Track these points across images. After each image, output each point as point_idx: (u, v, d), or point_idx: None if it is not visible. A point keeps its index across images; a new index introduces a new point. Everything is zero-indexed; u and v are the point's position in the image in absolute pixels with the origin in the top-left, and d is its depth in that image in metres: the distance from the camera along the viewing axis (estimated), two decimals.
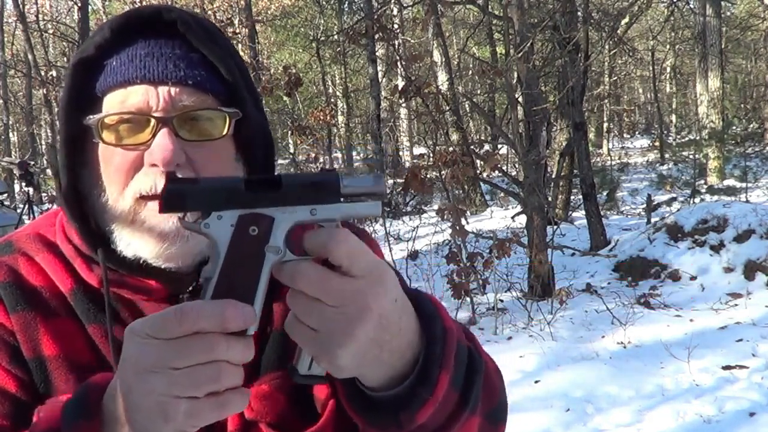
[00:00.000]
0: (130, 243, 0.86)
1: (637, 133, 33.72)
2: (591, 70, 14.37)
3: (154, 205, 0.83)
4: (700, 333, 5.16)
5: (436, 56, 12.08)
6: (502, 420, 0.89)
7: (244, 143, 0.91)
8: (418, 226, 8.39)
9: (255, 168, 0.93)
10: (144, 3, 13.77)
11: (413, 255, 7.33)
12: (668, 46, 24.08)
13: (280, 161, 17.73)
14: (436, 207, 8.34)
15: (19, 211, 10.35)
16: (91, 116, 0.86)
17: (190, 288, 0.91)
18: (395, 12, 12.42)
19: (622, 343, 5.07)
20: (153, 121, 0.84)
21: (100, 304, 0.89)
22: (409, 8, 13.58)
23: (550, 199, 9.37)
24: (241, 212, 0.69)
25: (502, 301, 5.96)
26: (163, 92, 0.85)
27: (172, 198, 0.68)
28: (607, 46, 13.25)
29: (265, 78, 11.92)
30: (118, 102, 0.85)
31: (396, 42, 7.82)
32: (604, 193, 11.22)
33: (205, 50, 0.88)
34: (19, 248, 0.93)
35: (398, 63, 7.05)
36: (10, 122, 24.51)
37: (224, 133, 0.87)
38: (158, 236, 0.85)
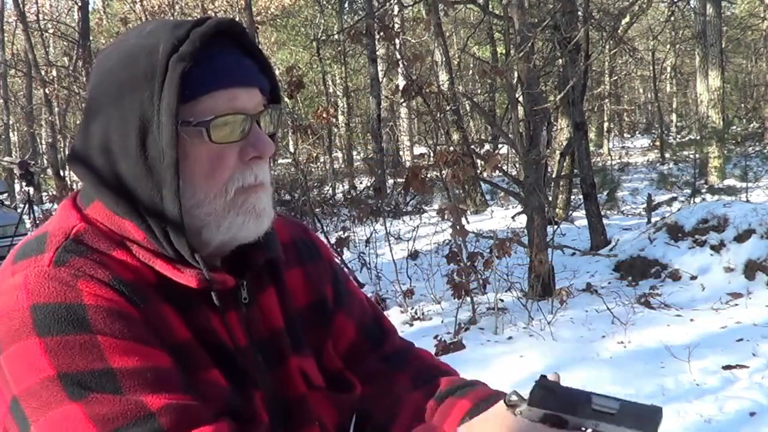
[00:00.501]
0: (229, 229, 0.96)
1: (637, 132, 33.70)
2: (591, 70, 14.37)
3: (252, 192, 0.96)
4: (701, 333, 5.16)
5: (437, 56, 12.08)
6: None
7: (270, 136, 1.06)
8: (418, 226, 8.39)
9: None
10: (144, 4, 13.77)
11: (413, 255, 7.34)
12: (668, 46, 24.06)
13: (280, 161, 17.73)
14: (436, 207, 8.34)
15: (19, 210, 10.36)
16: (192, 118, 0.92)
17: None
18: (396, 11, 12.42)
19: (622, 342, 5.07)
20: (248, 119, 0.96)
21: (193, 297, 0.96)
22: (410, 8, 13.59)
23: (550, 198, 9.36)
24: (547, 412, 0.88)
25: (502, 300, 5.96)
26: (248, 93, 0.96)
27: (538, 395, 0.88)
28: (607, 46, 13.25)
29: None
30: (223, 103, 0.94)
31: (397, 41, 7.81)
32: (605, 193, 11.22)
33: (259, 58, 1.01)
34: (89, 247, 0.94)
35: (399, 63, 7.03)
36: (11, 122, 24.52)
37: (277, 127, 1.03)
38: (256, 217, 0.97)
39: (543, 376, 0.91)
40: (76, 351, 0.83)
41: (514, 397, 0.91)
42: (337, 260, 1.25)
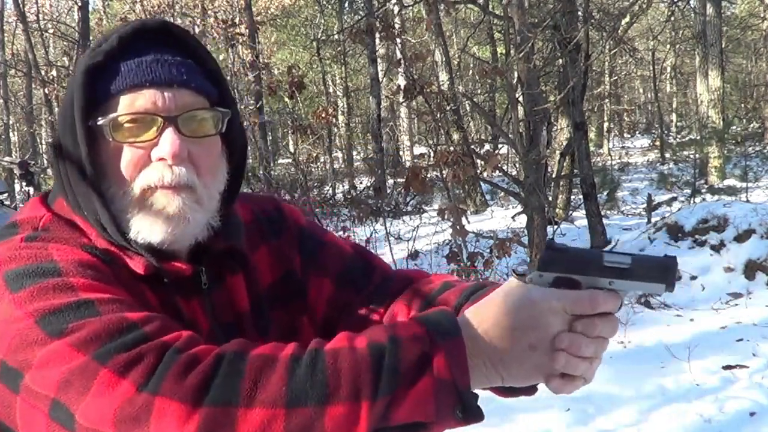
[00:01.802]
0: (140, 230, 0.97)
1: (637, 132, 33.66)
2: (591, 70, 14.36)
3: (161, 193, 0.96)
4: (701, 333, 5.16)
5: (437, 56, 12.07)
6: None
7: (229, 140, 1.06)
8: (418, 226, 8.39)
9: (233, 162, 1.08)
10: (144, 4, 13.77)
11: (414, 255, 7.34)
12: (668, 46, 24.04)
13: (280, 161, 17.73)
14: (436, 207, 8.34)
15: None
16: (101, 117, 0.96)
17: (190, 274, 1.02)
18: (396, 11, 12.41)
19: (622, 342, 5.07)
20: (160, 120, 0.96)
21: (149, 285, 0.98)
22: (410, 8, 13.58)
23: (550, 198, 9.37)
24: (558, 275, 0.85)
25: None
26: (169, 94, 0.96)
27: (548, 259, 0.85)
28: (607, 46, 13.24)
29: (267, 78, 11.91)
30: (128, 104, 0.96)
31: (398, 40, 7.81)
32: (605, 193, 11.21)
33: (202, 59, 1.02)
34: (57, 235, 0.97)
35: (400, 62, 7.04)
36: (11, 122, 24.52)
37: (218, 130, 1.01)
38: (165, 219, 0.96)
39: (551, 240, 0.88)
40: (50, 293, 0.85)
41: (522, 267, 0.88)
42: (306, 220, 1.23)
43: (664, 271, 0.85)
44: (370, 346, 0.81)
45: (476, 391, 0.84)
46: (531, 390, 0.95)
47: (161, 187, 0.96)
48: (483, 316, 0.85)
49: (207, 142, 1.00)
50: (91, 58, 0.96)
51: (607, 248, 7.81)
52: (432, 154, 6.54)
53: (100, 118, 0.95)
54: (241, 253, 1.08)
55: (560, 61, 8.60)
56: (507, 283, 0.88)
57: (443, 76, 11.67)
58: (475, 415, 0.81)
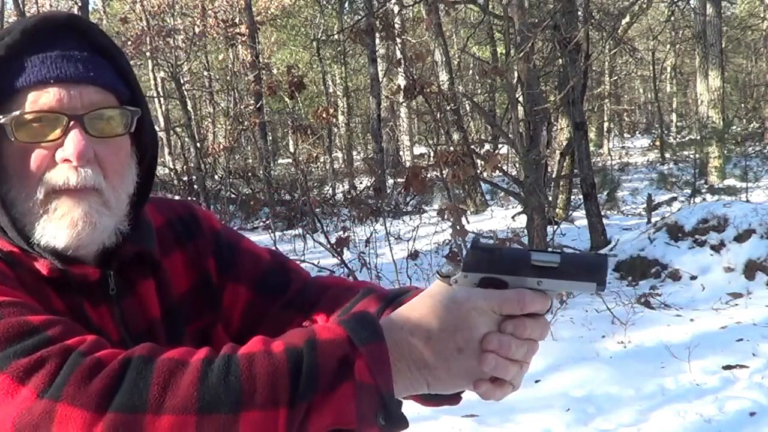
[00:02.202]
0: (43, 234, 0.91)
1: (637, 132, 33.66)
2: (591, 70, 14.36)
3: (66, 196, 0.91)
4: (701, 333, 5.16)
5: (437, 56, 12.07)
6: None
7: (139, 141, 1.01)
8: (418, 226, 8.39)
9: (144, 163, 1.03)
10: (144, 4, 13.77)
11: (413, 255, 7.33)
12: (668, 46, 24.05)
13: (280, 161, 17.72)
14: (436, 207, 8.35)
15: None
16: (2, 115, 0.90)
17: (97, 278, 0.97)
18: (396, 11, 12.41)
19: (622, 342, 5.07)
20: (65, 119, 0.90)
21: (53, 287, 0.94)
22: (410, 8, 13.58)
23: (550, 198, 9.36)
24: (483, 276, 0.83)
25: None
26: (75, 92, 0.91)
27: (473, 260, 0.82)
28: (607, 46, 13.24)
29: (267, 78, 11.91)
30: (32, 102, 0.90)
31: (399, 40, 7.81)
32: (605, 193, 11.21)
33: (111, 56, 0.97)
34: None
35: (400, 62, 7.04)
36: None
37: (127, 130, 0.96)
38: (70, 223, 0.91)
39: (476, 239, 0.84)
40: None
41: (446, 268, 0.85)
42: (222, 225, 1.18)
43: (595, 270, 0.82)
44: (287, 350, 0.77)
45: (404, 397, 0.82)
46: (455, 399, 0.91)
47: (66, 190, 0.91)
48: (406, 319, 0.81)
49: (115, 143, 0.95)
50: None
51: (605, 249, 7.82)
52: (432, 154, 6.54)
53: (1, 116, 0.90)
54: (152, 258, 1.03)
55: (560, 61, 8.60)
56: (432, 286, 0.85)
57: (443, 76, 11.67)
58: (398, 421, 0.78)
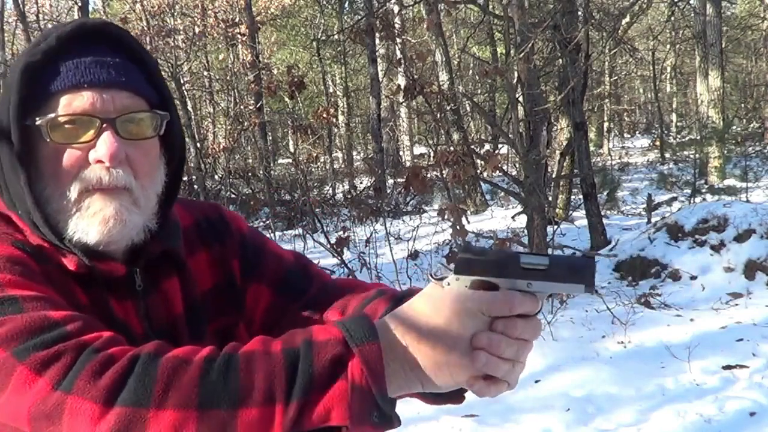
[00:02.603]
0: (76, 230, 0.96)
1: (637, 132, 33.66)
2: (591, 70, 14.36)
3: (98, 195, 0.96)
4: (701, 333, 5.16)
5: (437, 56, 12.07)
6: None
7: (168, 143, 1.06)
8: (418, 226, 8.39)
9: (172, 165, 1.07)
10: (144, 4, 13.77)
11: (414, 255, 7.33)
12: (668, 46, 24.04)
13: (280, 161, 17.72)
14: (436, 207, 8.35)
15: None
16: (39, 117, 0.95)
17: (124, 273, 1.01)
18: (396, 11, 12.41)
19: (622, 342, 5.07)
20: (98, 121, 0.95)
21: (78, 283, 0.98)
22: (410, 8, 13.59)
23: (550, 198, 9.36)
24: (474, 278, 0.85)
25: None
26: (107, 96, 0.96)
27: (464, 263, 0.85)
28: (607, 46, 13.24)
29: (267, 78, 11.91)
30: (66, 105, 0.95)
31: (399, 40, 7.81)
32: (605, 193, 11.21)
33: (142, 61, 1.02)
34: None
35: (400, 62, 7.04)
36: None
37: (157, 132, 1.01)
38: (102, 220, 0.96)
39: (467, 242, 0.89)
40: None
41: (440, 272, 0.87)
42: (248, 228, 1.23)
43: (582, 272, 0.85)
44: (284, 350, 0.80)
45: (398, 396, 0.84)
46: (458, 398, 0.94)
47: (99, 189, 0.96)
48: (399, 320, 0.84)
49: (145, 145, 1.00)
50: (30, 57, 0.95)
51: (605, 249, 7.83)
52: (432, 154, 6.54)
53: (37, 119, 0.95)
54: (178, 256, 1.07)
55: (560, 61, 8.60)
56: (426, 288, 0.87)
57: (443, 76, 11.66)
58: (391, 420, 0.81)
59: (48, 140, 0.95)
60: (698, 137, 13.69)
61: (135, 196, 0.99)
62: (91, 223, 0.96)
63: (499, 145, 12.12)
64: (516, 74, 6.88)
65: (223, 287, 1.13)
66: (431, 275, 0.87)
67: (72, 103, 0.95)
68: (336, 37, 14.79)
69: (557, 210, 10.20)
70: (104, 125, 0.95)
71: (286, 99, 10.94)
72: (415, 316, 0.83)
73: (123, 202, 0.97)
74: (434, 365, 0.82)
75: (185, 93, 13.94)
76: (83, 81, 0.95)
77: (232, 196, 13.05)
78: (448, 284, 0.85)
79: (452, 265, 0.86)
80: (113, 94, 0.96)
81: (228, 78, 16.06)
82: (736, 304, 5.81)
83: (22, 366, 0.80)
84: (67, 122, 0.95)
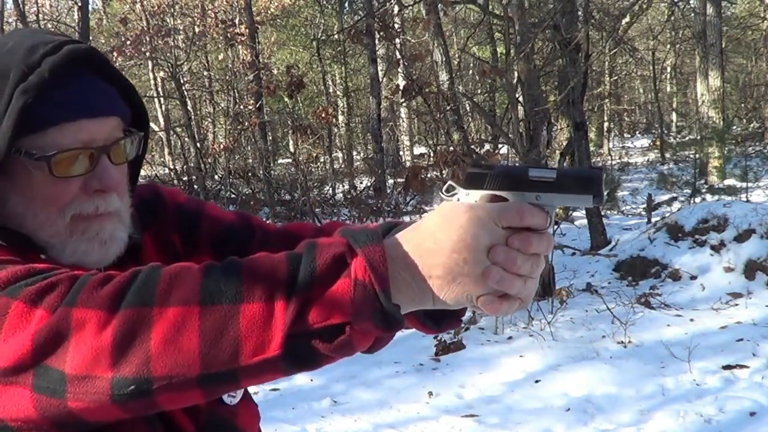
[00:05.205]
0: (74, 252, 0.99)
1: (637, 132, 33.65)
2: (591, 70, 14.36)
3: (93, 221, 0.99)
4: (701, 333, 5.16)
5: (437, 56, 12.06)
6: None
7: (133, 159, 1.07)
8: None
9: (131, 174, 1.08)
10: (144, 4, 13.77)
11: None
12: (669, 46, 24.05)
13: (280, 161, 17.72)
14: (436, 207, 8.33)
15: None
16: (35, 151, 0.95)
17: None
18: (396, 11, 12.40)
19: (622, 342, 5.07)
20: (92, 152, 0.97)
21: None
22: (410, 8, 13.58)
23: None
24: (484, 193, 0.86)
25: None
26: (99, 125, 0.98)
27: (473, 177, 0.86)
28: (607, 46, 13.24)
29: (267, 78, 11.91)
30: (61, 136, 0.95)
31: (397, 40, 7.82)
32: (605, 193, 11.20)
33: (122, 84, 1.03)
34: None
35: (400, 62, 7.04)
36: None
37: (137, 153, 1.05)
38: (99, 245, 1.00)
39: (477, 159, 0.89)
40: None
41: (450, 188, 0.88)
42: (187, 197, 1.23)
43: (590, 183, 0.85)
44: (288, 254, 0.81)
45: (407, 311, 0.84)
46: (456, 321, 0.98)
47: (93, 216, 0.98)
48: (412, 234, 0.83)
49: (125, 165, 1.03)
50: (23, 93, 0.94)
51: (605, 249, 7.83)
52: (432, 154, 6.54)
53: (34, 152, 0.95)
54: (135, 243, 1.09)
55: (560, 61, 8.60)
56: (437, 207, 0.87)
57: (443, 76, 11.64)
58: (395, 321, 0.80)
59: (45, 171, 0.95)
60: (698, 137, 13.70)
61: (122, 216, 1.02)
62: (90, 246, 0.99)
63: (499, 145, 12.11)
64: (516, 74, 6.88)
65: (168, 261, 1.13)
66: (442, 192, 0.88)
67: (67, 134, 0.95)
68: (336, 37, 14.79)
69: (557, 210, 10.20)
70: (99, 154, 0.97)
71: (286, 99, 10.94)
72: (428, 230, 0.83)
73: (115, 224, 1.01)
74: (448, 276, 0.81)
75: (185, 93, 13.93)
76: (78, 113, 0.96)
77: (232, 196, 13.05)
78: (458, 199, 0.86)
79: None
80: (102, 122, 0.98)
81: (228, 78, 16.04)
82: (736, 304, 5.82)
83: (16, 302, 0.80)
84: (64, 157, 0.95)
